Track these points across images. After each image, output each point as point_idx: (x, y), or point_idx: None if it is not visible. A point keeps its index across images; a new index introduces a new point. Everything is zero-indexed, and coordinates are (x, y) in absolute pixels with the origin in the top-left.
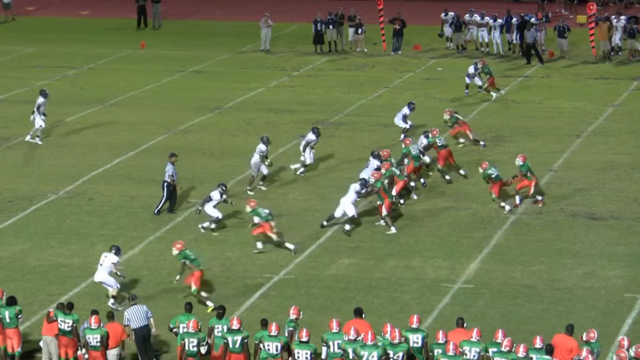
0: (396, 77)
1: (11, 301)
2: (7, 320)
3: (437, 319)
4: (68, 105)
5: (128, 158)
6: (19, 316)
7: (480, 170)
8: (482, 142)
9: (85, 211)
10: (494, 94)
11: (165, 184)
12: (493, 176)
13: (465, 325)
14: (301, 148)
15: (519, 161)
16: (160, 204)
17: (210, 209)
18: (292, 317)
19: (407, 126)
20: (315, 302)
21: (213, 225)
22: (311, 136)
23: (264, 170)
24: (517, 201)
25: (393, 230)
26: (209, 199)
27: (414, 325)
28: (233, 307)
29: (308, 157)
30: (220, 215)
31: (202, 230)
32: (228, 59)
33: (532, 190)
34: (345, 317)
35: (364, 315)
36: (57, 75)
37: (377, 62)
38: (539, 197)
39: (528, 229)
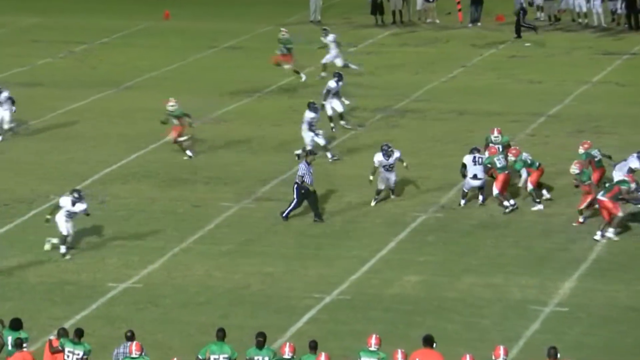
0: (475, 55)
1: (16, 324)
2: (9, 347)
3: (524, 349)
4: (75, 89)
5: (148, 152)
6: (24, 345)
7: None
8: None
9: (96, 217)
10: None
11: (296, 185)
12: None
13: (558, 356)
14: (303, 134)
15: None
16: (290, 208)
17: (60, 220)
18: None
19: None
20: (375, 328)
21: (56, 241)
22: (309, 114)
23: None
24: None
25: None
26: (58, 206)
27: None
28: (275, 334)
29: (308, 139)
30: (67, 232)
31: (48, 247)
32: (270, 32)
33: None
34: (412, 347)
35: (434, 345)
36: (62, 51)
37: (452, 36)
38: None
39: (637, 239)
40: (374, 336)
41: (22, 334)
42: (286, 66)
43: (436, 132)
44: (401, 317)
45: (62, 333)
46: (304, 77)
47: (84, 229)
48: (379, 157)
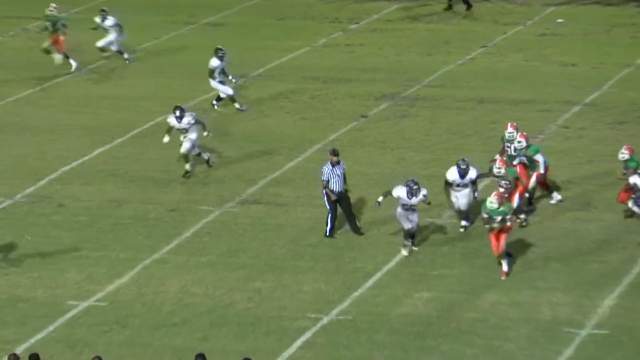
0: (497, 33)
1: None
2: None
3: None
4: (28, 71)
5: (114, 147)
6: None
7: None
8: None
9: (53, 222)
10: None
11: (324, 192)
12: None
13: None
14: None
15: (624, 155)
16: (328, 224)
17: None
18: None
19: (230, 90)
20: (381, 353)
21: None
22: (214, 62)
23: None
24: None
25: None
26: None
27: None
28: None
29: (221, 89)
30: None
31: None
32: (258, 6)
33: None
34: None
35: None
36: (13, 29)
37: (470, 11)
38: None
39: None
40: None
41: None
42: (56, 55)
43: (452, 124)
44: (412, 341)
45: (14, 359)
46: (74, 65)
47: (39, 237)
48: (400, 193)
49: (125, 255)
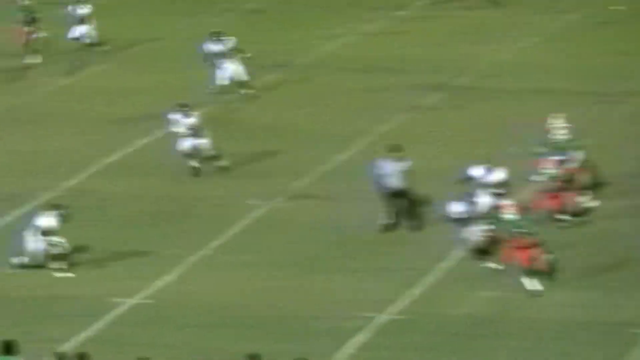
0: (551, 21)
1: (8, 349)
2: None
3: None
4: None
5: (158, 139)
6: None
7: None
8: None
9: (96, 217)
10: None
11: (377, 188)
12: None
13: None
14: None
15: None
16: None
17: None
18: None
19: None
20: (436, 355)
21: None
22: (210, 46)
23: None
24: None
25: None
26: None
27: None
28: None
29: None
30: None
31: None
32: None
33: None
34: None
35: None
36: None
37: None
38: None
39: None
40: None
41: None
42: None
43: (504, 116)
44: (471, 342)
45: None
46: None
47: (82, 232)
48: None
49: (171, 251)
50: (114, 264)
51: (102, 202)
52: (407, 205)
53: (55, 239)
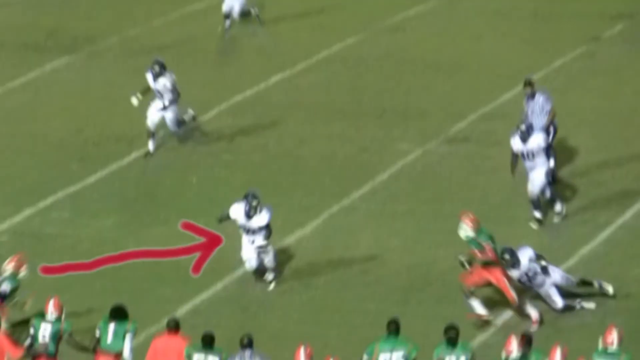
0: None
1: (118, 314)
2: (109, 341)
3: None
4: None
5: (295, 74)
6: (130, 337)
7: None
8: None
9: (223, 162)
10: None
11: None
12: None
13: None
14: None
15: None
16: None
17: None
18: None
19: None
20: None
21: None
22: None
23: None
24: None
25: None
26: None
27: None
28: (471, 329)
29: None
30: None
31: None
32: None
33: None
34: None
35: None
36: None
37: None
38: None
39: None
40: (613, 331)
41: (131, 325)
42: None
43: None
44: None
45: (174, 326)
46: None
47: (206, 179)
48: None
49: (308, 201)
50: None
51: (229, 144)
52: None
53: None
